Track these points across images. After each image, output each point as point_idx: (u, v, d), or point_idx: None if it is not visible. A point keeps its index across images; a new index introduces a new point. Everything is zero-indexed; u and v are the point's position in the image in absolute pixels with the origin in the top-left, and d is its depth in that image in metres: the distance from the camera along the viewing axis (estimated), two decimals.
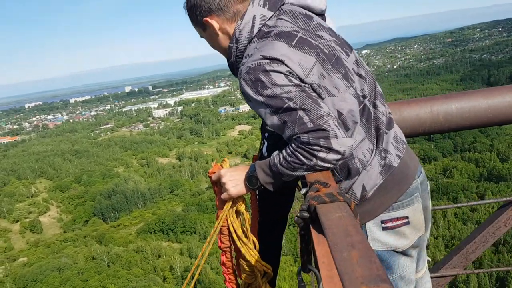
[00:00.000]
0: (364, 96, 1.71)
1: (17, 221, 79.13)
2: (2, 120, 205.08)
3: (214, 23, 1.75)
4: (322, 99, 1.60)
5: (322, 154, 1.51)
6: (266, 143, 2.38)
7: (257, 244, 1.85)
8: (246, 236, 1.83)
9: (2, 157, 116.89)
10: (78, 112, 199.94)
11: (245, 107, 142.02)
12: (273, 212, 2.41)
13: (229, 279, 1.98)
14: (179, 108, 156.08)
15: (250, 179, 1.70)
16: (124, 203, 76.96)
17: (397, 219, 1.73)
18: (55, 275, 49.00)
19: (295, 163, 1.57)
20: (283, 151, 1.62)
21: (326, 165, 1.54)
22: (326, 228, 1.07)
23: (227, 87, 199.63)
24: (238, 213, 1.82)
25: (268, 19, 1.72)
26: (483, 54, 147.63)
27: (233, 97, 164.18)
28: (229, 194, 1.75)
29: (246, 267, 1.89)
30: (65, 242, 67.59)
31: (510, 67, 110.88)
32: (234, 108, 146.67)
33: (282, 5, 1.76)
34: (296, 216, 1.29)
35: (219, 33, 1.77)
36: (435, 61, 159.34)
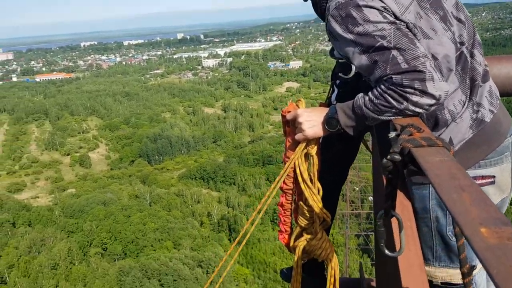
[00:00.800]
0: (461, 43, 1.60)
1: (68, 154, 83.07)
2: (59, 56, 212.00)
3: None
4: (418, 40, 1.49)
5: (415, 98, 1.41)
6: (336, 90, 2.38)
7: (321, 190, 1.79)
8: (311, 181, 1.77)
9: (57, 92, 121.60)
10: (130, 55, 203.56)
11: (295, 64, 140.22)
12: (335, 161, 2.45)
13: (284, 221, 1.99)
14: (229, 60, 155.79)
15: (330, 121, 1.62)
16: (168, 148, 79.09)
17: (483, 177, 1.64)
18: (100, 209, 51.60)
19: (383, 106, 1.47)
20: (369, 93, 1.53)
21: (418, 109, 1.44)
22: (427, 170, 1.01)
23: (279, 42, 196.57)
24: (307, 156, 1.76)
25: None
26: None
27: (284, 53, 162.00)
28: (305, 135, 1.68)
29: (306, 212, 1.84)
30: (111, 179, 70.67)
31: None
32: (284, 64, 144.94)
33: None
34: (385, 158, 1.21)
35: None
36: (502, 31, 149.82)
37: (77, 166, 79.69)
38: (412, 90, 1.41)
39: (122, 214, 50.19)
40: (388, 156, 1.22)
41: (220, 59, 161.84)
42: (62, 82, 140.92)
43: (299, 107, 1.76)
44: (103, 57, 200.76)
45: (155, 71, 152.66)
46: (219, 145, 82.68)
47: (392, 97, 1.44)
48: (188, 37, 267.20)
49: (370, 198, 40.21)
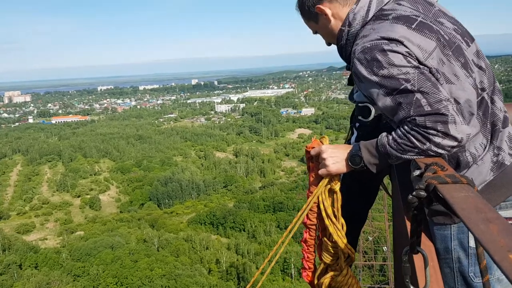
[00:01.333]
0: (483, 89, 1.65)
1: (78, 196, 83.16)
2: (76, 99, 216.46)
3: (327, 9, 1.75)
4: (440, 85, 1.54)
5: (437, 139, 1.46)
6: (356, 133, 2.37)
7: (345, 226, 1.79)
8: (335, 216, 1.78)
9: (71, 134, 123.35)
10: (145, 99, 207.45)
11: (307, 111, 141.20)
12: (355, 201, 2.38)
13: (308, 257, 1.94)
14: (242, 105, 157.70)
15: (353, 158, 1.66)
16: (179, 192, 78.81)
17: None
18: (108, 252, 50.89)
19: (406, 145, 1.52)
20: (393, 132, 1.58)
21: (440, 151, 1.49)
22: (454, 204, 1.04)
23: (292, 89, 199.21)
24: (330, 191, 1.78)
25: (385, 4, 1.69)
26: None
27: (296, 100, 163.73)
28: (328, 170, 1.71)
29: (330, 248, 1.83)
30: (120, 222, 70.08)
31: None
32: (296, 111, 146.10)
33: None
34: (411, 195, 1.25)
35: (332, 19, 1.77)
36: None
37: (87, 208, 79.51)
38: (435, 132, 1.46)
39: (129, 258, 49.34)
40: (414, 193, 1.25)
41: (233, 104, 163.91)
42: (77, 125, 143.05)
43: (323, 143, 1.80)
44: (119, 101, 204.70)
45: (169, 115, 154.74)
46: (229, 190, 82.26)
47: (415, 137, 1.49)
48: (202, 83, 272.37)
49: (385, 248, 39.10)
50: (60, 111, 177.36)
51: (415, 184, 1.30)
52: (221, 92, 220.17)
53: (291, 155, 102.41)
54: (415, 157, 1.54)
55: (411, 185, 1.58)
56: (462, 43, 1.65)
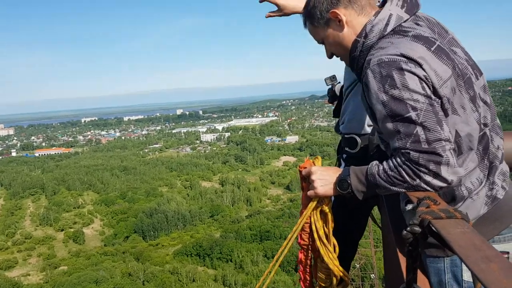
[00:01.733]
0: (485, 125, 1.64)
1: (62, 230, 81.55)
2: (59, 132, 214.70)
3: (342, 15, 1.68)
4: (446, 116, 1.52)
5: (427, 177, 1.46)
6: (343, 164, 2.44)
7: (337, 248, 1.79)
8: (327, 238, 1.78)
9: (55, 167, 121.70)
10: (130, 130, 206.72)
11: (291, 139, 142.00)
12: (350, 220, 2.45)
13: (304, 278, 1.97)
14: (227, 134, 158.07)
15: (341, 183, 1.65)
16: (164, 223, 77.87)
17: None
18: (92, 287, 49.86)
19: (396, 179, 1.51)
20: (385, 163, 1.56)
21: (429, 188, 1.48)
22: (451, 242, 1.03)
23: (275, 117, 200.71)
24: (322, 213, 1.77)
25: (404, 21, 1.64)
26: None
27: (281, 128, 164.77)
28: (316, 192, 1.71)
29: (323, 269, 1.82)
30: (105, 256, 68.82)
31: None
32: (280, 139, 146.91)
33: (417, 11, 1.70)
34: (405, 230, 1.23)
35: (345, 26, 1.70)
36: None
37: (71, 242, 77.92)
38: (426, 171, 1.44)
39: None
40: (408, 228, 1.22)
41: (218, 133, 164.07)
42: (61, 157, 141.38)
43: (314, 164, 1.80)
44: (103, 132, 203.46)
45: (154, 146, 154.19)
46: (216, 220, 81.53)
47: (406, 172, 1.48)
48: (187, 112, 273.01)
49: (372, 275, 38.97)
50: (43, 144, 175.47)
51: (407, 219, 1.29)
52: (206, 121, 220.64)
53: (276, 183, 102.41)
54: (403, 190, 1.53)
55: (401, 218, 1.60)
56: (472, 75, 1.63)
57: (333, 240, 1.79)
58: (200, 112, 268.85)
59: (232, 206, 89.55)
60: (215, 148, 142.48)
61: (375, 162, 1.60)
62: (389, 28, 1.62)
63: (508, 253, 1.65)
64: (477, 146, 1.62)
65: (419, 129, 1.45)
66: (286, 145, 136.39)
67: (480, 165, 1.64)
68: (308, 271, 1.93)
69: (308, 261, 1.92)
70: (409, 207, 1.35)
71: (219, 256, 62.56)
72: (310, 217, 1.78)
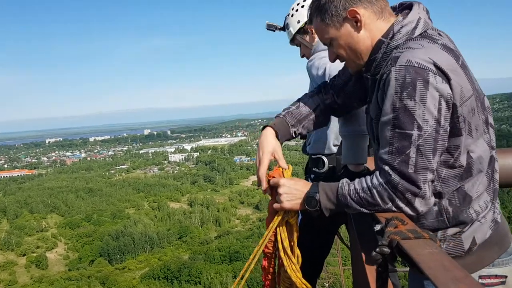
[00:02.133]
0: (492, 147, 1.62)
1: (24, 255, 78.65)
2: (22, 153, 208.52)
3: (361, 15, 1.56)
4: (460, 135, 1.50)
5: (400, 203, 1.45)
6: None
7: (300, 259, 1.76)
8: (291, 250, 1.75)
9: (17, 190, 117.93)
10: (96, 150, 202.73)
11: None
12: (316, 237, 2.46)
13: (267, 285, 1.95)
14: (195, 154, 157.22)
15: (309, 200, 1.60)
16: (131, 246, 76.23)
17: (496, 276, 1.62)
18: None
19: (367, 201, 1.49)
20: (356, 182, 1.53)
21: (396, 212, 1.47)
22: (420, 263, 1.03)
23: (244, 137, 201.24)
24: (287, 224, 1.75)
25: (430, 29, 1.57)
26: (502, 125, 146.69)
27: (249, 147, 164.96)
28: (282, 206, 1.67)
29: (286, 279, 1.81)
30: (69, 281, 66.58)
31: None
32: (249, 158, 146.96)
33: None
34: (374, 251, 1.23)
35: (362, 28, 1.58)
36: None
37: (33, 268, 75.15)
38: (402, 197, 1.44)
39: None
40: (377, 249, 1.22)
41: (187, 153, 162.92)
42: (24, 179, 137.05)
43: (283, 176, 1.76)
44: (68, 153, 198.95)
45: (120, 166, 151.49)
46: (184, 242, 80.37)
47: (380, 195, 1.46)
48: (155, 133, 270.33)
49: None
50: (5, 166, 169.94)
51: (379, 239, 1.28)
52: (174, 141, 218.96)
53: (246, 203, 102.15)
54: (371, 211, 1.51)
55: (370, 237, 1.60)
56: (484, 97, 1.60)
57: (297, 251, 1.75)
58: (168, 132, 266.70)
59: (201, 227, 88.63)
60: (183, 169, 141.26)
61: (345, 181, 1.57)
62: (417, 32, 1.53)
63: (506, 277, 1.65)
64: (487, 169, 1.59)
65: (412, 151, 1.41)
66: (255, 165, 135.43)
67: (488, 189, 1.61)
68: (270, 277, 1.92)
69: (271, 269, 1.90)
70: (378, 227, 1.36)
71: (188, 278, 61.55)
72: (276, 228, 1.76)
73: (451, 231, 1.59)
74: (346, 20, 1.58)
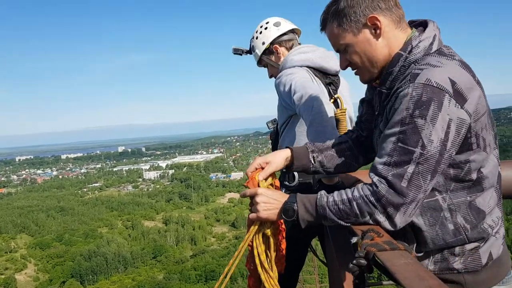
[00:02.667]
0: (499, 164, 1.62)
1: None
2: None
3: (381, 23, 1.55)
4: (471, 150, 1.49)
5: (379, 217, 1.44)
6: None
7: (276, 273, 1.73)
8: (269, 263, 1.72)
9: None
10: (68, 168, 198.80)
11: (236, 175, 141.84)
12: (290, 250, 2.34)
13: None
14: (171, 171, 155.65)
15: (287, 210, 1.58)
16: (104, 266, 74.38)
17: None
18: None
19: (345, 213, 1.48)
20: (335, 194, 1.52)
21: (373, 224, 1.46)
22: (396, 273, 1.04)
23: (220, 154, 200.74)
24: (264, 236, 1.72)
25: (444, 46, 1.58)
26: None
27: (225, 164, 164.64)
28: (258, 216, 1.64)
29: None
30: None
31: (501, 155, 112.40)
32: (225, 175, 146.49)
33: None
34: (351, 263, 1.24)
35: (381, 36, 1.57)
36: None
37: None
38: (382, 210, 1.42)
39: None
40: (354, 261, 1.23)
41: (162, 171, 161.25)
42: None
43: (259, 186, 1.74)
44: (39, 171, 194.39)
45: (93, 184, 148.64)
46: (159, 261, 78.86)
47: (359, 207, 1.45)
48: (130, 150, 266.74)
49: None
50: None
51: (356, 251, 1.29)
52: (149, 158, 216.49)
53: (222, 220, 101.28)
54: (348, 224, 1.51)
55: (347, 250, 1.60)
56: (491, 114, 1.58)
57: (274, 265, 1.73)
58: (143, 149, 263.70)
59: (176, 245, 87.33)
60: (158, 186, 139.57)
61: (323, 193, 1.55)
62: (434, 47, 1.53)
63: None
64: (496, 184, 1.60)
65: (411, 167, 1.40)
66: (231, 182, 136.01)
67: (498, 204, 1.62)
68: None
69: (259, 286, 1.81)
70: (354, 240, 1.39)
71: None
72: (252, 241, 1.72)
73: (470, 246, 1.57)
74: (366, 26, 1.56)
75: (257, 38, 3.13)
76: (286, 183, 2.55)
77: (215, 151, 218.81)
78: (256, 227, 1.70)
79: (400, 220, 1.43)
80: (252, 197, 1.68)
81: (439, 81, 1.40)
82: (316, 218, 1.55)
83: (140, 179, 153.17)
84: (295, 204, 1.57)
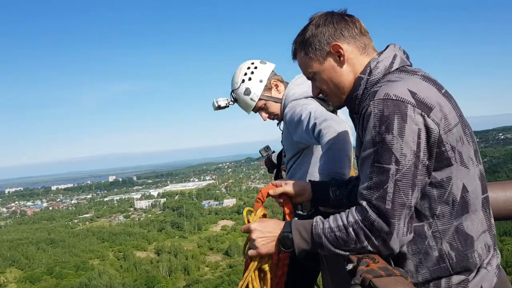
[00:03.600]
0: (484, 186, 1.53)
1: None
2: None
3: (344, 50, 1.60)
4: (451, 165, 1.44)
5: (377, 242, 1.40)
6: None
7: None
8: None
9: None
10: (58, 199, 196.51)
11: (229, 202, 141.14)
12: (299, 278, 2.36)
13: None
14: (162, 200, 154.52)
15: (284, 241, 1.55)
16: None
17: None
18: None
19: (343, 240, 1.44)
20: (331, 220, 1.48)
21: (372, 252, 1.43)
22: None
23: (212, 181, 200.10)
24: (261, 271, 1.68)
25: (408, 64, 1.59)
26: None
27: (218, 191, 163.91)
28: (258, 252, 1.61)
29: None
30: None
31: (489, 177, 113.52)
32: (218, 202, 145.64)
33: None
34: None
35: (345, 63, 1.61)
36: None
37: None
38: (377, 235, 1.39)
39: None
40: None
41: (153, 200, 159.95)
42: None
43: (249, 221, 1.72)
44: (29, 203, 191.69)
45: (84, 215, 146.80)
46: None
47: (356, 233, 1.42)
48: (120, 179, 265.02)
49: None
50: None
51: (352, 278, 1.28)
52: (140, 187, 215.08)
53: (215, 249, 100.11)
54: (346, 253, 1.46)
55: (343, 278, 1.55)
56: (470, 129, 1.54)
57: None
58: (134, 178, 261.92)
59: (169, 276, 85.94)
60: (150, 215, 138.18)
61: (319, 218, 1.52)
62: (394, 66, 1.55)
63: None
64: (482, 207, 1.52)
65: (390, 186, 1.38)
66: (223, 209, 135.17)
67: (489, 230, 1.53)
68: None
69: None
70: (350, 266, 1.35)
71: None
72: (246, 276, 1.68)
73: (456, 279, 1.48)
74: (330, 54, 1.61)
75: (250, 79, 2.94)
76: (300, 212, 2.48)
77: (207, 178, 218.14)
78: (256, 263, 1.66)
79: (394, 242, 1.39)
80: (247, 233, 1.65)
81: (398, 93, 1.40)
82: (312, 246, 1.51)
83: (132, 209, 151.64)
84: (290, 233, 1.53)
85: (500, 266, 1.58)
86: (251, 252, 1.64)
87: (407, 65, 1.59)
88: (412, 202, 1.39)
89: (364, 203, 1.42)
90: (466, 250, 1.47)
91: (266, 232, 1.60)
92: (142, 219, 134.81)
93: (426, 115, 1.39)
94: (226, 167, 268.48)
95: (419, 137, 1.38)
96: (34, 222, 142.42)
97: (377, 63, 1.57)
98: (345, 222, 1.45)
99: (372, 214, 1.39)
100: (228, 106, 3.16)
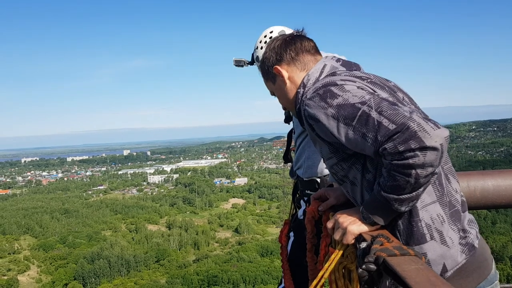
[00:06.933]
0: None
1: None
2: None
3: (284, 71, 1.81)
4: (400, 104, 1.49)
5: (419, 159, 1.29)
6: (303, 206, 2.46)
7: None
8: None
9: None
10: (73, 171, 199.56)
11: (240, 181, 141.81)
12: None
13: None
14: (175, 176, 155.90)
15: (367, 217, 1.51)
16: (107, 269, 74.32)
17: None
18: None
19: (397, 185, 1.37)
20: (380, 180, 1.44)
21: (429, 170, 1.32)
22: (406, 278, 1.03)
23: (225, 159, 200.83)
24: (345, 269, 1.53)
25: (339, 70, 1.73)
26: (478, 151, 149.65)
27: (230, 170, 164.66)
28: (352, 232, 1.51)
29: None
30: None
31: (505, 166, 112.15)
32: (229, 181, 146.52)
33: (357, 70, 1.78)
34: (361, 268, 1.21)
35: (288, 82, 1.81)
36: None
37: None
38: (412, 153, 1.30)
39: None
40: (364, 266, 1.20)
41: (166, 175, 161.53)
42: None
43: (329, 218, 1.74)
44: (44, 173, 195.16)
45: (98, 187, 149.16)
46: (162, 265, 78.78)
47: (398, 171, 1.35)
48: (135, 153, 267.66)
49: None
50: None
51: (366, 256, 1.25)
52: (154, 162, 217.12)
53: (225, 226, 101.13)
54: (410, 194, 1.39)
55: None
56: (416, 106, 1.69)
57: None
58: (148, 153, 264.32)
59: (179, 250, 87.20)
60: (162, 190, 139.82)
61: (375, 187, 1.47)
62: (323, 75, 1.71)
63: None
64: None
65: (377, 117, 1.37)
66: (235, 187, 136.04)
67: (440, 201, 1.52)
68: None
69: None
70: (363, 245, 1.33)
71: None
72: (331, 274, 1.54)
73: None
74: (276, 76, 1.85)
75: (262, 48, 2.89)
76: (309, 191, 2.50)
77: (220, 156, 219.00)
78: (341, 252, 1.53)
79: (431, 138, 1.28)
80: (333, 227, 1.60)
81: (322, 82, 1.60)
82: (386, 212, 1.47)
83: (145, 183, 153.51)
84: (370, 218, 1.50)
85: (477, 245, 1.56)
86: (342, 237, 1.54)
87: (338, 71, 1.72)
88: (406, 109, 1.38)
89: (380, 150, 1.37)
90: (411, 217, 1.49)
91: (349, 215, 1.57)
92: (154, 193, 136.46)
93: (353, 83, 1.56)
94: (239, 146, 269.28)
95: (359, 88, 1.52)
96: (49, 191, 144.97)
97: (308, 76, 1.74)
98: (384, 171, 1.41)
99: (390, 144, 1.34)
100: (243, 66, 3.19)
